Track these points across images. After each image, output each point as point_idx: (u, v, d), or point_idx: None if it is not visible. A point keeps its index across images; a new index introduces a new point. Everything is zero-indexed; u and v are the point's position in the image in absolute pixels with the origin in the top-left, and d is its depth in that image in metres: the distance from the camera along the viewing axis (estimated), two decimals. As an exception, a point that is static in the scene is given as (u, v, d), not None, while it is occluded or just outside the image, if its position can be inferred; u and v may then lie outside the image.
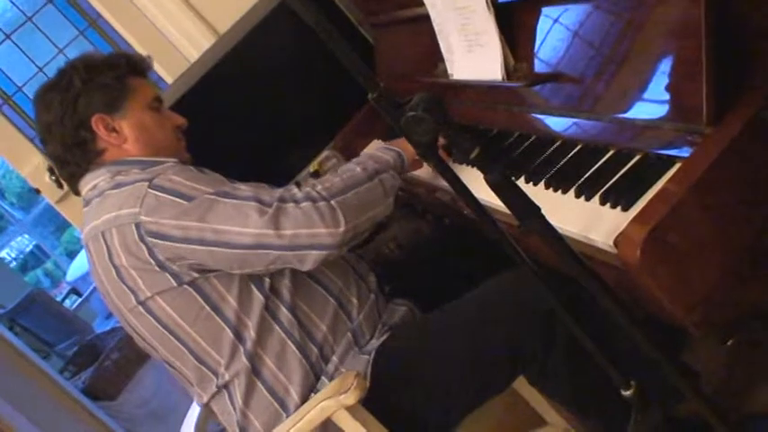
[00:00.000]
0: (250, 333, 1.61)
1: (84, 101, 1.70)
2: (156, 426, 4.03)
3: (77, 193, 1.76)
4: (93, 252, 1.65)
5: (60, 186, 2.89)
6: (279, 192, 1.59)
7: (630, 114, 1.33)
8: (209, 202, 1.54)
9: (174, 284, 1.58)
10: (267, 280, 1.63)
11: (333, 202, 1.57)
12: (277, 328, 1.63)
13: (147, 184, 1.57)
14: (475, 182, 1.18)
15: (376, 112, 2.49)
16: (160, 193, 1.55)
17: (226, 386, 1.65)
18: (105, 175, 1.68)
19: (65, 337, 5.21)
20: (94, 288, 5.93)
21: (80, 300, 6.23)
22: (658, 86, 1.27)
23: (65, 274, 7.68)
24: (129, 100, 1.74)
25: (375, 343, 1.69)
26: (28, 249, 8.68)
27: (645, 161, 1.30)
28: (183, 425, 1.86)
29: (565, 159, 1.48)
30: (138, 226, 1.55)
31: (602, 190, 1.32)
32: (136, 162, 1.69)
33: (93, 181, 1.70)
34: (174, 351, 1.66)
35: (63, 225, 8.26)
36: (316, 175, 2.59)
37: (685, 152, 1.22)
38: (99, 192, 1.66)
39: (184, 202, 1.54)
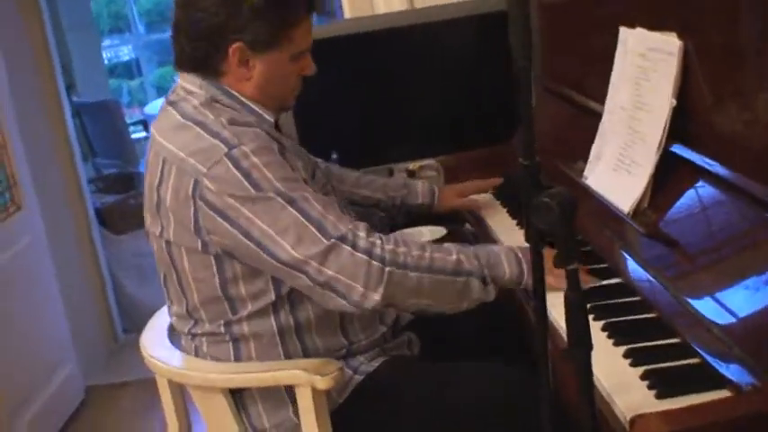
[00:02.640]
0: (243, 321, 1.61)
1: (240, 22, 1.57)
2: (136, 280, 4.10)
3: (177, 68, 1.68)
4: (152, 157, 1.64)
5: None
6: (345, 227, 1.52)
7: (714, 317, 1.33)
8: (272, 203, 1.50)
9: (199, 249, 1.56)
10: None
11: (387, 269, 1.50)
12: (273, 323, 1.62)
13: (226, 150, 1.52)
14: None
15: (500, 158, 2.52)
16: (232, 167, 1.50)
17: (195, 336, 1.68)
18: (207, 91, 1.62)
19: (111, 156, 5.31)
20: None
21: (143, 135, 6.34)
22: (750, 310, 1.27)
23: (145, 104, 7.81)
24: (279, 47, 1.61)
25: (363, 363, 1.69)
26: (125, 58, 8.79)
27: (702, 368, 1.30)
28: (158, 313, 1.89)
29: (634, 317, 1.49)
30: (196, 183, 1.52)
31: (649, 366, 1.32)
32: (237, 101, 1.63)
33: (192, 85, 1.64)
34: (171, 285, 1.67)
35: (170, 61, 8.39)
36: (411, 174, 2.61)
37: (738, 380, 1.22)
38: (187, 110, 1.60)
39: (251, 189, 1.50)
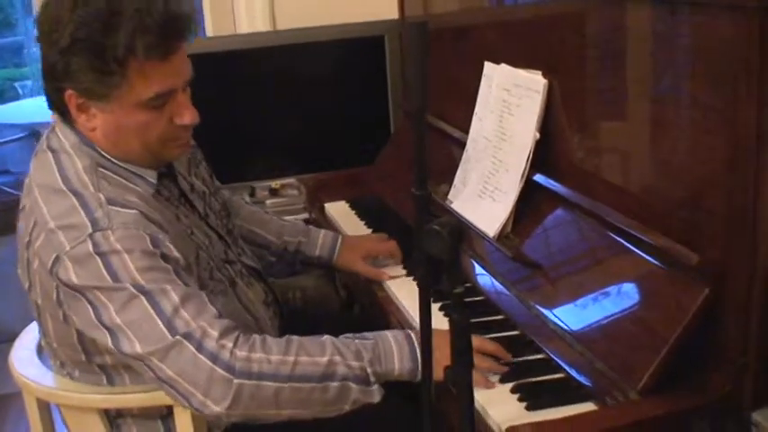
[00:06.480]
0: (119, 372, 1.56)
1: (64, 66, 1.40)
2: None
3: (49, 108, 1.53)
4: (27, 207, 1.52)
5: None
6: (196, 324, 1.37)
7: (574, 328, 1.45)
8: (124, 293, 1.39)
9: (61, 318, 1.50)
10: None
11: (236, 381, 1.35)
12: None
13: (90, 229, 1.40)
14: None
15: (362, 179, 2.57)
16: (94, 253, 1.39)
17: (63, 364, 1.62)
18: (79, 152, 1.49)
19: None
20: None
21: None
22: (618, 333, 1.38)
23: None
24: (116, 95, 1.42)
25: None
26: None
27: (567, 382, 1.42)
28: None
29: (499, 334, 1.59)
30: (57, 260, 1.41)
31: (518, 381, 1.43)
32: (108, 162, 1.50)
33: (64, 135, 1.52)
34: (36, 311, 1.59)
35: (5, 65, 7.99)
36: (274, 192, 2.65)
37: (602, 396, 1.34)
38: (69, 174, 1.47)
39: (107, 277, 1.39)
